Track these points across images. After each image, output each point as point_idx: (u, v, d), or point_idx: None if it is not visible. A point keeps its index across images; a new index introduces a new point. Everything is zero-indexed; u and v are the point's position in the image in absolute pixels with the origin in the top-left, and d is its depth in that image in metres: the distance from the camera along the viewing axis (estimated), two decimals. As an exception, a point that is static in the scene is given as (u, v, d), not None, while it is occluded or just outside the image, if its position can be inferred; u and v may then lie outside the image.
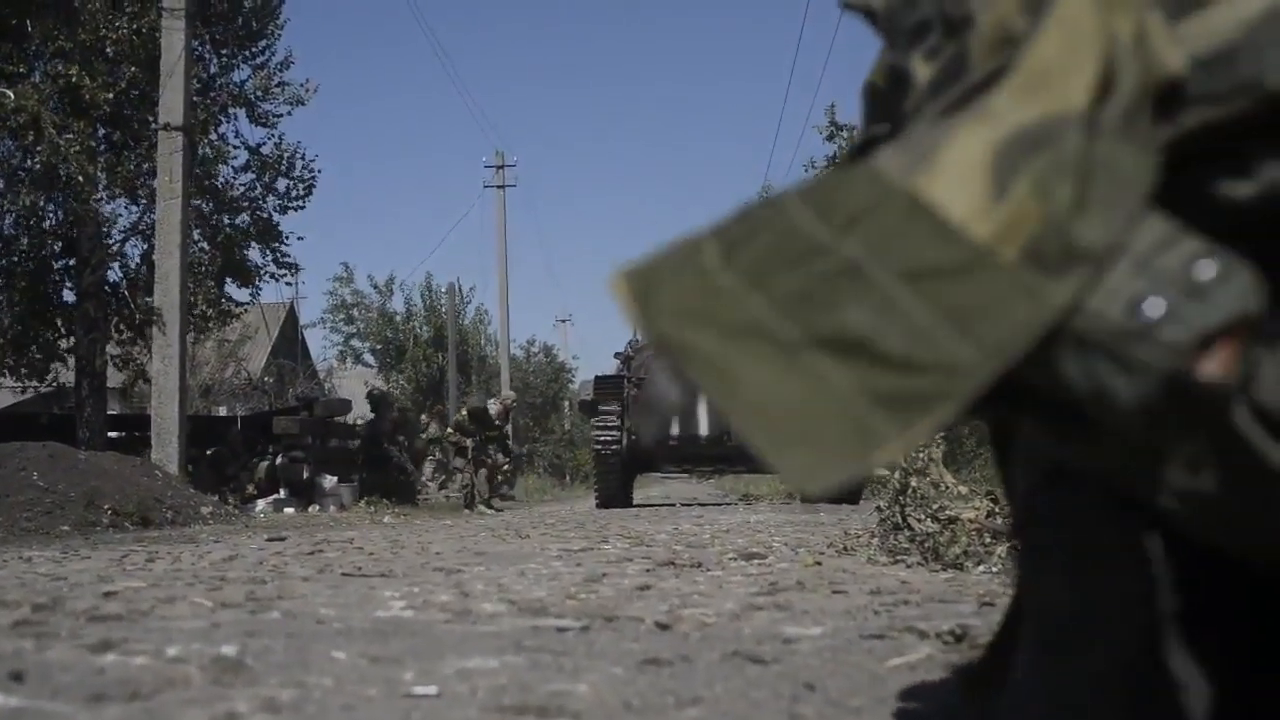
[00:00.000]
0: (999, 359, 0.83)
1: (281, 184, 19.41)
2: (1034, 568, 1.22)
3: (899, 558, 5.00)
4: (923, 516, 5.44)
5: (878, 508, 6.25)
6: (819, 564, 4.95)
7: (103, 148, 16.97)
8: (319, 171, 19.70)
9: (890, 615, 3.10)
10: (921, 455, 6.16)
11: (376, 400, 18.65)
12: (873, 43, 1.30)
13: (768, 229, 0.92)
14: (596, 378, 17.72)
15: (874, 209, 0.90)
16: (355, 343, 46.50)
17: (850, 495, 15.61)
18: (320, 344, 58.90)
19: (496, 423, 19.02)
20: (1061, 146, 0.88)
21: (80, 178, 15.61)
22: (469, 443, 18.31)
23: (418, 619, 3.14)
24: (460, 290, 44.78)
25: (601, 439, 16.78)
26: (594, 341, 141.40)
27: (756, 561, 5.13)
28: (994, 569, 4.33)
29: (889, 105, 1.27)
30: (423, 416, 20.93)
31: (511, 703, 1.94)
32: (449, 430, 19.10)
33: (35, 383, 18.50)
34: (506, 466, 19.95)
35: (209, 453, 16.59)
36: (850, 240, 0.88)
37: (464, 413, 19.47)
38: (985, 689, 2.05)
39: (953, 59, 1.06)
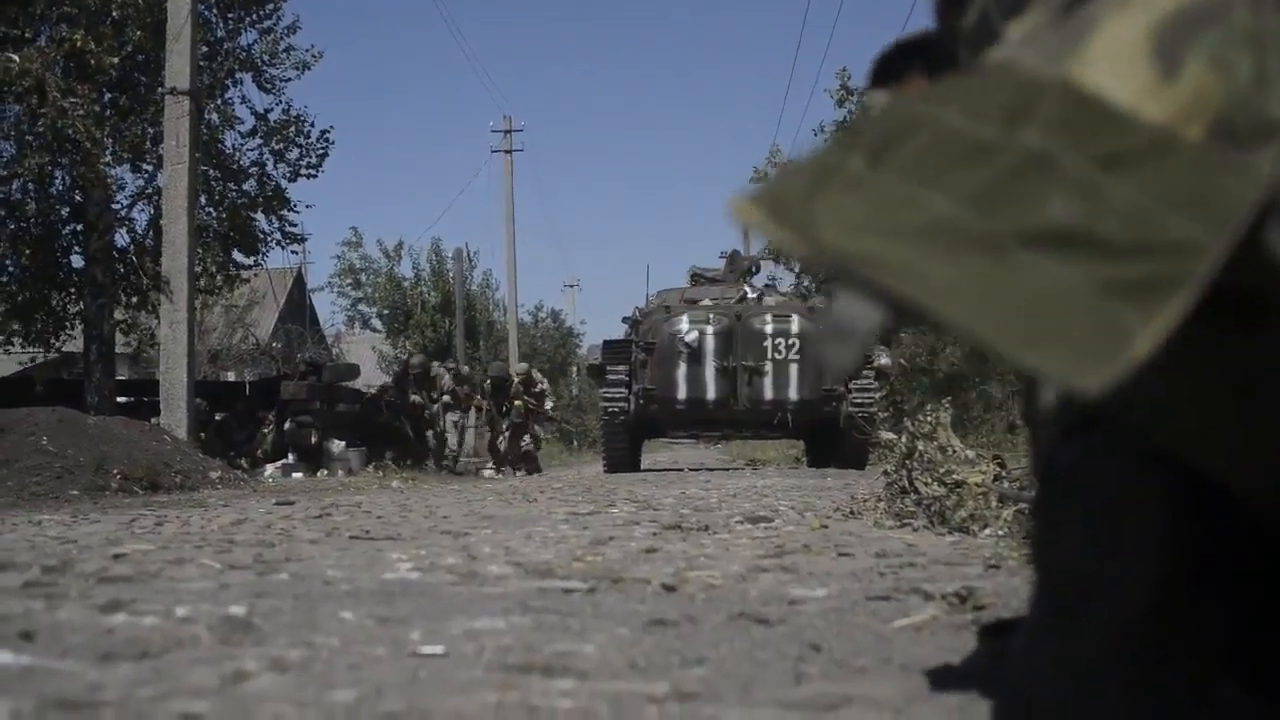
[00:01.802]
0: (1228, 233, 0.81)
1: (293, 152, 19.36)
2: (1049, 521, 1.22)
3: (905, 521, 5.00)
4: (929, 480, 5.44)
5: (884, 472, 6.26)
6: (825, 528, 4.96)
7: (109, 112, 16.94)
8: (333, 143, 19.67)
9: (896, 577, 3.11)
10: (929, 420, 6.16)
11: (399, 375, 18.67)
12: (880, 3, 1.29)
13: (913, 132, 0.88)
14: (605, 342, 17.71)
15: (1032, 102, 0.87)
16: (363, 307, 46.55)
17: (857, 460, 15.65)
18: (328, 309, 59.01)
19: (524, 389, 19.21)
20: (1231, 21, 0.86)
21: (87, 143, 15.59)
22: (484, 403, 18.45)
23: (425, 581, 3.15)
24: (468, 255, 44.79)
25: (609, 403, 16.79)
26: (602, 306, 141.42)
27: (763, 525, 5.14)
28: (1000, 532, 4.34)
29: (946, 17, 1.26)
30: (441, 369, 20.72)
31: (517, 662, 1.95)
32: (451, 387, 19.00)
33: (43, 348, 18.55)
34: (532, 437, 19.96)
35: (217, 418, 16.64)
36: (1026, 133, 0.85)
37: (488, 382, 19.62)
38: (1000, 637, 2.07)
39: None
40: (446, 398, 19.00)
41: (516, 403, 19.03)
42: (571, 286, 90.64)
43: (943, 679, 1.79)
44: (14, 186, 17.18)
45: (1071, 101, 0.86)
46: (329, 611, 2.54)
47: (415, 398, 17.95)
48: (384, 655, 2.03)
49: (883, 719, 1.59)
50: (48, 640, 2.18)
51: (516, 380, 19.87)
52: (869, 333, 0.87)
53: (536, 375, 20.85)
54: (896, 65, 1.54)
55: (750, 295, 17.63)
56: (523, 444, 19.47)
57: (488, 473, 17.82)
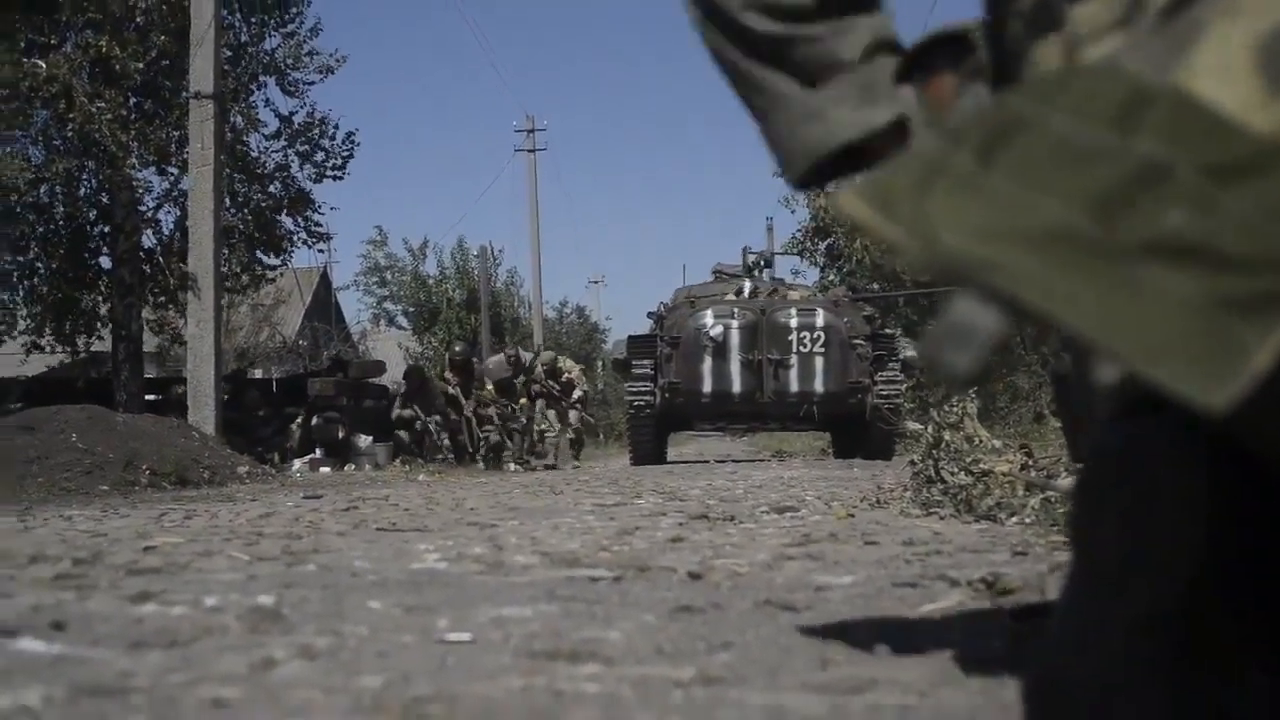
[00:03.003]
0: None
1: (318, 154, 19.42)
2: (1089, 503, 1.21)
3: (932, 510, 4.99)
4: (956, 469, 5.44)
5: (911, 462, 6.25)
6: (852, 516, 4.96)
7: (134, 117, 17.03)
8: (358, 144, 19.73)
9: (922, 564, 3.11)
10: (955, 410, 6.15)
11: (410, 375, 18.45)
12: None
13: (1021, 132, 0.88)
14: (630, 337, 17.72)
15: (1143, 109, 0.86)
16: (389, 305, 46.72)
17: (883, 450, 15.62)
18: (354, 307, 59.28)
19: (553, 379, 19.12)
20: None
21: (113, 147, 15.70)
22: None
23: (452, 571, 3.16)
24: (492, 253, 44.88)
25: (635, 397, 16.81)
26: (627, 303, 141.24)
27: (789, 515, 5.14)
28: (1027, 520, 4.33)
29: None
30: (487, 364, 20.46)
31: (544, 648, 1.96)
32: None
33: (73, 348, 18.69)
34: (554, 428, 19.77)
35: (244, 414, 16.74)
36: (1139, 140, 0.85)
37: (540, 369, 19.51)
38: (1026, 621, 2.06)
39: None
40: (537, 386, 18.93)
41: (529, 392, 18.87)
42: (596, 283, 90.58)
43: (968, 663, 1.79)
44: (42, 190, 17.31)
45: (1182, 110, 0.86)
46: (356, 601, 2.55)
47: (451, 390, 17.73)
48: (411, 643, 2.04)
49: (907, 701, 1.59)
50: (79, 630, 2.20)
51: (541, 369, 19.74)
52: (989, 337, 0.87)
53: (565, 364, 20.63)
54: (925, 60, 1.54)
55: (755, 290, 17.63)
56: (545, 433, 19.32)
57: (513, 466, 17.79)
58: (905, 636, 2.06)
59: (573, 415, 20.14)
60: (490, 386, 18.32)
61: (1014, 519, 4.43)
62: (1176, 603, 1.08)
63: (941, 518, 4.72)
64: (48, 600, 2.59)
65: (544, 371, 19.63)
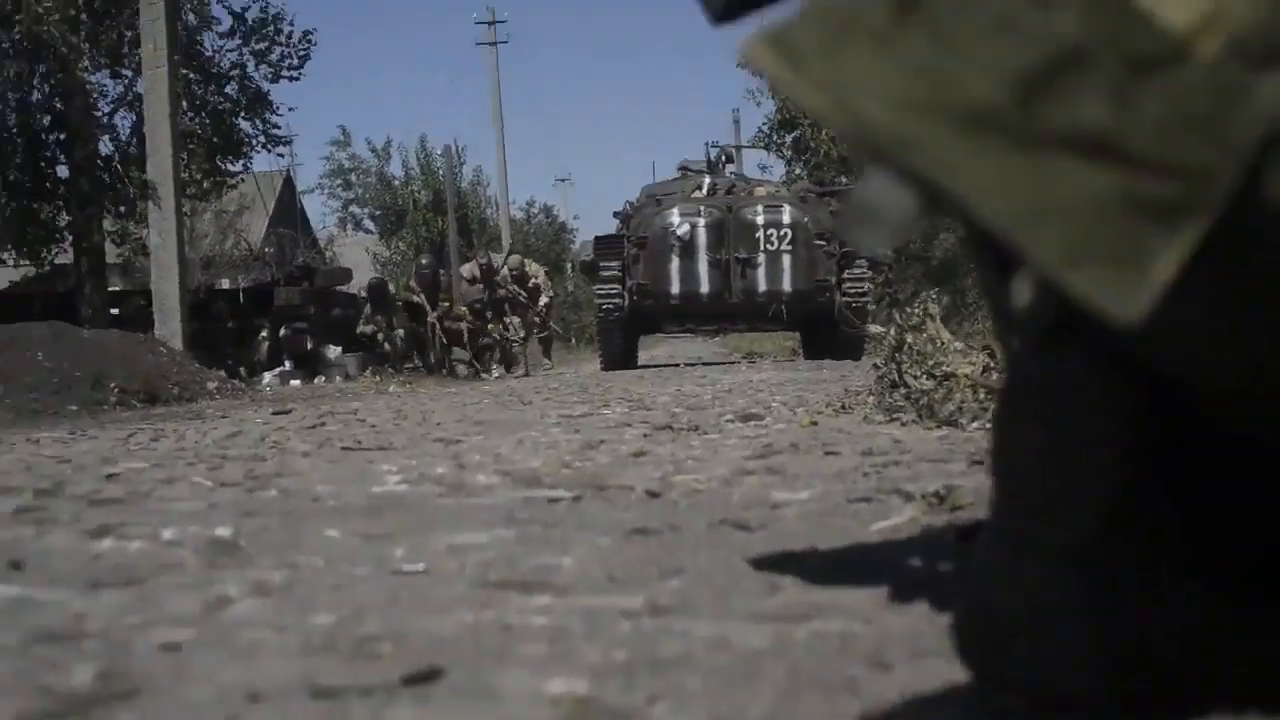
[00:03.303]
0: (1239, 161, 0.79)
1: (274, 53, 19.12)
2: (1007, 433, 1.22)
3: (895, 415, 5.03)
4: (919, 374, 5.47)
5: (874, 365, 6.28)
6: (815, 424, 4.99)
7: (84, 16, 16.70)
8: (315, 43, 19.43)
9: (879, 476, 3.14)
10: (918, 311, 6.17)
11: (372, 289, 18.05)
12: None
13: None
14: (596, 238, 17.66)
15: None
16: (354, 209, 46.35)
17: (852, 351, 15.69)
18: (319, 211, 58.75)
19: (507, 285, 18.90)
20: None
21: (63, 48, 15.41)
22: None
23: (412, 493, 3.18)
24: (457, 152, 44.47)
25: (604, 300, 16.79)
26: (594, 202, 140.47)
27: (754, 423, 5.18)
28: (987, 425, 4.36)
29: None
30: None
31: (497, 578, 1.98)
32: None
33: (36, 261, 18.52)
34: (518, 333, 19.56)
35: (212, 325, 16.66)
36: (1059, 16, 0.81)
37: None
38: (971, 541, 2.09)
39: None
40: (503, 291, 18.71)
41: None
42: (563, 180, 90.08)
43: (914, 585, 1.82)
44: (-6, 97, 17.04)
45: None
46: (315, 529, 2.57)
47: (416, 299, 17.54)
48: (366, 575, 2.05)
49: (851, 628, 1.62)
50: (36, 569, 2.21)
51: (508, 273, 19.55)
52: (901, 217, 0.85)
53: (531, 268, 20.38)
54: None
55: (715, 186, 17.47)
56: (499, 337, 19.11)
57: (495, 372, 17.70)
58: (856, 557, 2.09)
59: (538, 321, 20.01)
60: (464, 308, 18.16)
61: (975, 424, 4.47)
62: (1097, 531, 1.10)
63: (903, 424, 4.76)
64: (6, 537, 2.60)
65: (511, 275, 19.44)
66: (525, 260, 20.93)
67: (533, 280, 19.74)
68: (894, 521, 2.42)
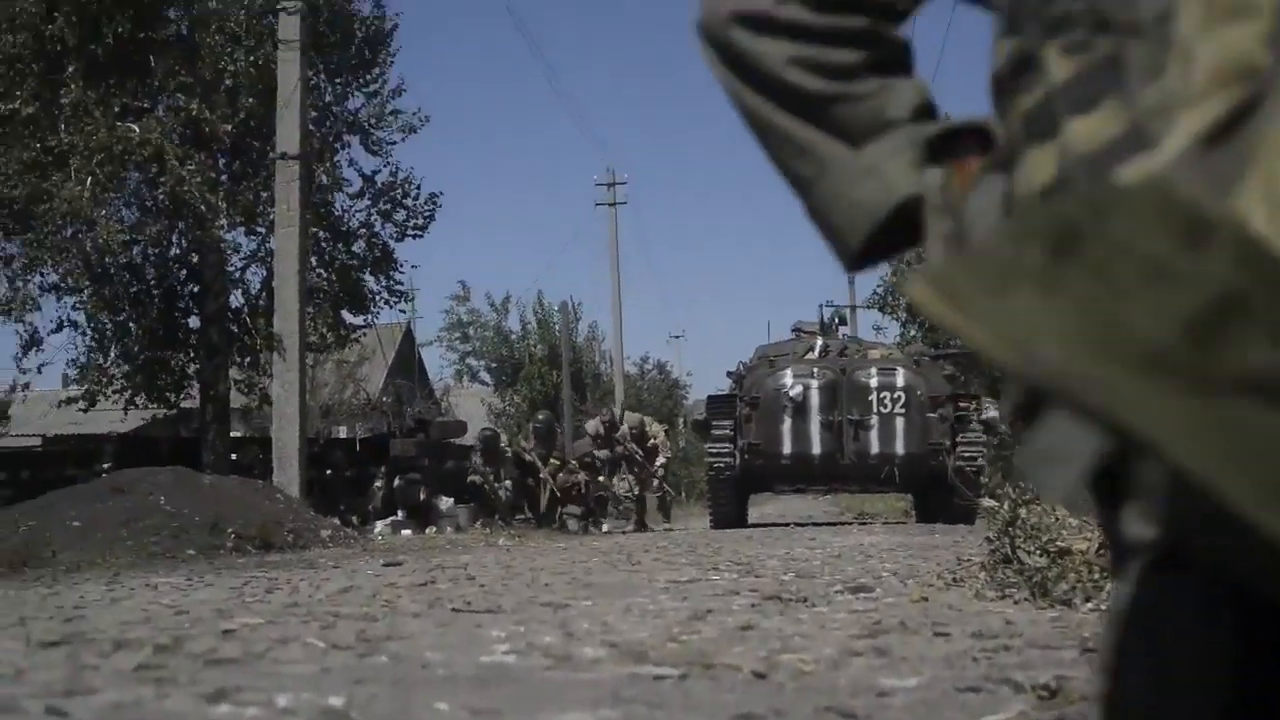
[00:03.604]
0: None
1: (399, 213, 19.73)
2: (1116, 658, 1.22)
3: (1007, 592, 4.95)
4: (1032, 549, 5.38)
5: (987, 538, 6.20)
6: (925, 599, 4.93)
7: (223, 178, 17.46)
8: (440, 205, 20.03)
9: (989, 663, 3.10)
10: (1031, 485, 6.08)
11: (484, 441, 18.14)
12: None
13: (1090, 238, 0.85)
14: (710, 397, 17.73)
15: (1204, 232, 0.84)
16: (471, 361, 47.13)
17: (965, 515, 15.45)
18: (437, 362, 59.87)
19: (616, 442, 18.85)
20: None
21: (202, 207, 16.09)
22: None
23: (520, 665, 3.20)
24: (574, 307, 45.20)
25: (715, 459, 16.79)
26: (707, 359, 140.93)
27: (863, 595, 5.13)
28: (1103, 606, 4.28)
29: (1004, 93, 1.23)
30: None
31: (603, 764, 1.99)
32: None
33: (164, 407, 19.09)
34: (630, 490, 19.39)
35: (327, 473, 16.95)
36: (1211, 262, 0.82)
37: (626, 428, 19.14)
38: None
39: (1103, 60, 1.05)
40: (620, 449, 18.67)
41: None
42: (677, 338, 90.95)
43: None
44: (135, 251, 17.77)
45: (1244, 240, 0.84)
46: (424, 700, 2.60)
47: (528, 457, 17.59)
48: (474, 755, 2.08)
49: (958, 837, 1.60)
50: (155, 734, 2.27)
51: (628, 430, 19.32)
52: (1086, 459, 0.86)
53: (652, 428, 19.95)
54: (954, 143, 1.50)
55: (827, 348, 17.51)
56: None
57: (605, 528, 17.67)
58: (964, 754, 2.07)
59: (654, 482, 19.72)
60: (575, 461, 18.22)
61: (1089, 604, 4.39)
62: None
63: (1016, 602, 4.68)
64: (128, 697, 2.67)
65: (630, 434, 19.28)
66: (646, 419, 20.80)
67: (651, 440, 19.46)
68: (1003, 716, 2.38)
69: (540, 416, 19.52)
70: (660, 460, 19.45)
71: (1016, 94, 1.23)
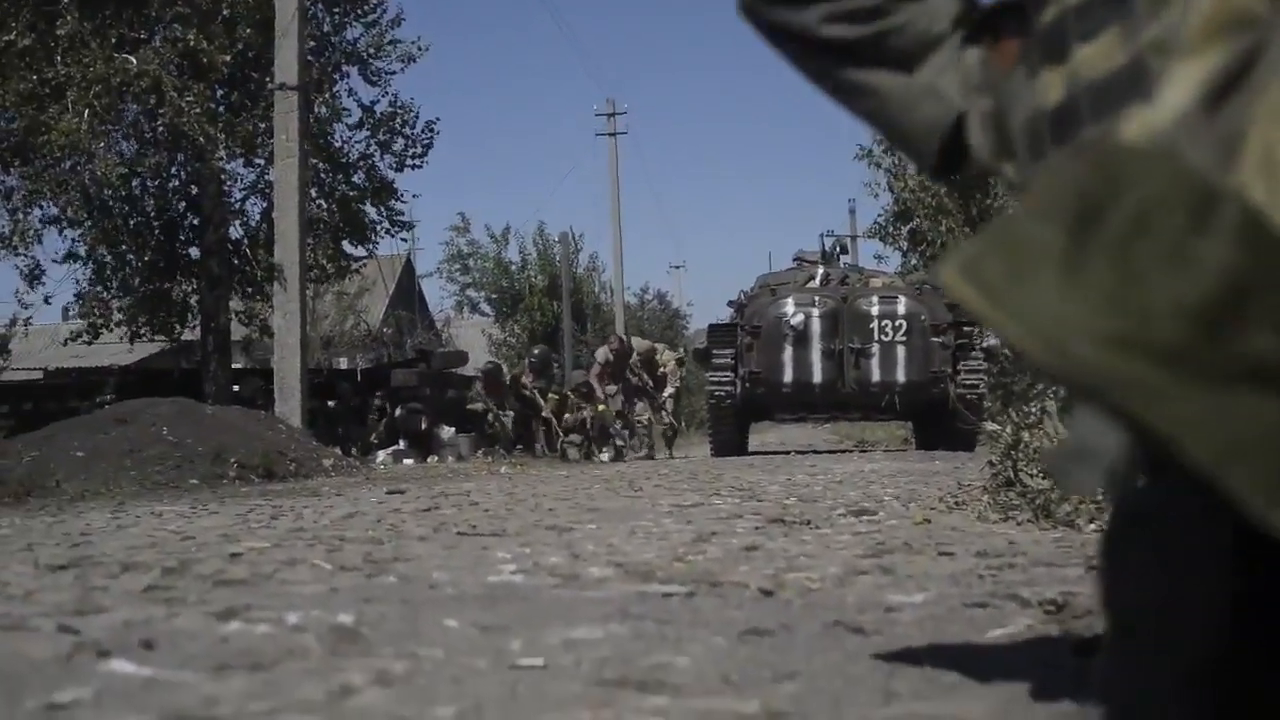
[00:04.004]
0: None
1: (398, 142, 19.64)
2: (1120, 565, 1.23)
3: (1010, 514, 4.97)
4: (1035, 472, 5.39)
5: (989, 462, 6.21)
6: (928, 521, 4.95)
7: (222, 109, 17.35)
8: (438, 132, 19.93)
9: (994, 580, 3.11)
10: (1034, 409, 6.09)
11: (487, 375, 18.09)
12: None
13: (1110, 214, 0.88)
14: (710, 326, 17.71)
15: (1211, 209, 0.87)
16: (471, 293, 47.10)
17: (966, 442, 15.49)
18: (437, 294, 59.82)
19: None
20: None
21: (202, 139, 15.99)
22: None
23: (527, 584, 3.22)
24: (574, 238, 45.08)
25: (716, 388, 16.82)
26: (708, 288, 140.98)
27: (866, 518, 5.15)
28: (1104, 527, 4.29)
29: None
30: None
31: (614, 675, 2.00)
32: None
33: (169, 336, 19.10)
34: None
35: (329, 405, 16.98)
36: (1218, 245, 0.86)
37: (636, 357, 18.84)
38: (1088, 654, 2.07)
39: None
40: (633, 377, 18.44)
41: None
42: (677, 268, 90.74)
43: (1033, 696, 1.81)
44: (134, 184, 17.69)
45: (1249, 219, 0.86)
46: (433, 618, 2.61)
47: (528, 393, 17.52)
48: (484, 668, 2.09)
49: (969, 742, 1.61)
50: (167, 649, 2.28)
51: (636, 357, 18.98)
52: (1114, 456, 0.89)
53: (663, 356, 19.39)
54: (994, 23, 1.54)
55: (828, 277, 17.47)
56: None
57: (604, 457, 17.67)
58: (972, 665, 2.08)
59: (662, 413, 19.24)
60: (570, 392, 18.12)
61: (1093, 525, 4.40)
62: (1213, 660, 1.10)
63: (1019, 524, 4.70)
64: (139, 616, 2.68)
65: (639, 361, 18.92)
66: (659, 346, 20.28)
67: (661, 369, 19.02)
68: (1010, 630, 2.40)
69: (536, 351, 19.46)
70: (669, 390, 19.04)
71: (1036, 11, 1.27)
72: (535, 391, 17.55)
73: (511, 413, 17.33)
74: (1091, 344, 0.84)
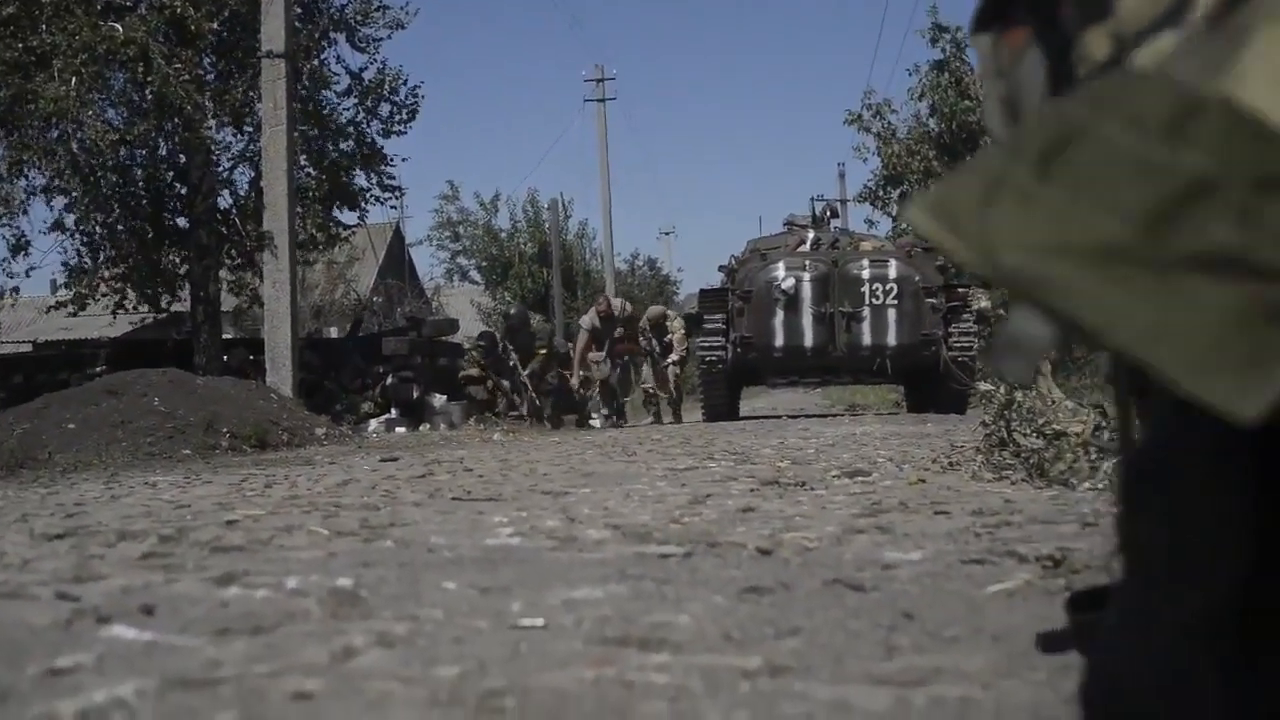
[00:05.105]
0: None
1: (384, 108, 19.52)
2: (1137, 503, 1.22)
3: (1004, 474, 4.98)
4: (1028, 431, 5.40)
5: (983, 422, 6.22)
6: (923, 481, 4.96)
7: (209, 77, 17.22)
8: (423, 97, 19.81)
9: (991, 538, 3.12)
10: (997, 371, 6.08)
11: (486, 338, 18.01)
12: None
13: (1077, 141, 0.91)
14: (701, 291, 17.67)
15: (1192, 119, 0.89)
16: (462, 260, 46.96)
17: (957, 405, 15.52)
18: (427, 262, 59.67)
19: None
20: None
21: (189, 107, 15.88)
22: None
23: (525, 546, 3.22)
24: (563, 205, 44.92)
25: (707, 352, 16.81)
26: (699, 254, 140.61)
27: (860, 479, 5.16)
28: (1099, 486, 4.31)
29: None
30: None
31: (614, 634, 2.01)
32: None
33: (156, 308, 19.02)
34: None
35: (326, 382, 16.94)
36: (1188, 152, 0.87)
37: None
38: (1088, 609, 2.07)
39: None
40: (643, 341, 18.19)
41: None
42: (667, 234, 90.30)
43: (1032, 652, 1.81)
44: (122, 153, 17.57)
45: (1231, 120, 0.87)
46: (432, 581, 2.61)
47: (511, 362, 17.44)
48: (485, 628, 2.09)
49: (970, 693, 1.62)
50: (167, 615, 2.28)
51: (646, 323, 18.63)
52: (1043, 348, 0.92)
53: (673, 323, 18.73)
54: (1002, 9, 1.53)
55: (818, 241, 17.43)
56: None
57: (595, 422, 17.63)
58: (971, 620, 2.09)
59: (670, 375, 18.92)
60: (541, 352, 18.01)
61: (1086, 484, 4.42)
62: (1227, 601, 1.10)
63: (1013, 483, 4.71)
64: (137, 582, 2.68)
65: (649, 325, 18.63)
66: (670, 313, 19.82)
67: (669, 335, 18.73)
68: (1008, 585, 2.40)
69: (513, 310, 19.29)
70: (673, 356, 18.72)
71: None
72: (516, 360, 17.46)
73: (506, 382, 17.28)
74: (1023, 253, 0.88)
